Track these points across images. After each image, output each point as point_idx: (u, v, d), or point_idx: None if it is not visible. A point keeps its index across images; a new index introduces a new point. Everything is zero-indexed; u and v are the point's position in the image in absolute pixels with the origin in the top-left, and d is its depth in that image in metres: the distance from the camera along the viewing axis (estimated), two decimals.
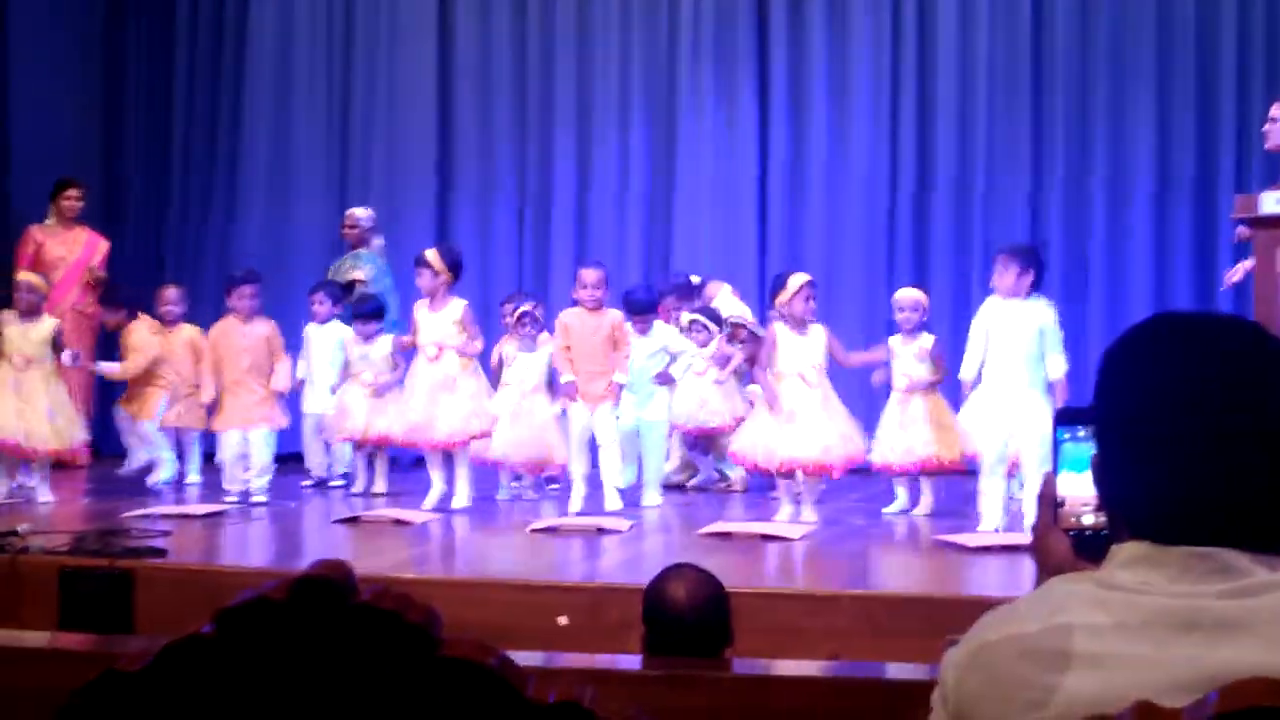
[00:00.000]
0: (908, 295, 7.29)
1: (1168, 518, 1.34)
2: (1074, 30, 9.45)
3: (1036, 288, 6.46)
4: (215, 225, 10.47)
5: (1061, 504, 1.55)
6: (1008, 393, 6.28)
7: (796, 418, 6.59)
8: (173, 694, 1.20)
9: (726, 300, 8.41)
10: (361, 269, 8.87)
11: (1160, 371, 1.37)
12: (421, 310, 7.25)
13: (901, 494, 7.10)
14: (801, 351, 6.68)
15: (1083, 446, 1.53)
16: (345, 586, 1.16)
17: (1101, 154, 9.39)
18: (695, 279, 8.55)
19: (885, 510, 7.03)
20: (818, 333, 6.77)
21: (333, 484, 8.15)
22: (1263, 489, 1.33)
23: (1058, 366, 6.35)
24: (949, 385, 7.06)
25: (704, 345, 8.01)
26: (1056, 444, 1.55)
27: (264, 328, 7.72)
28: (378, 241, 9.11)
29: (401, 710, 1.13)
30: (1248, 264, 6.48)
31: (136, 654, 1.25)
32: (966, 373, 6.51)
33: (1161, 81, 9.32)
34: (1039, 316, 6.38)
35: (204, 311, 8.57)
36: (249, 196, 10.36)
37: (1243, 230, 6.24)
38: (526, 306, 7.58)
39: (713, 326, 8.06)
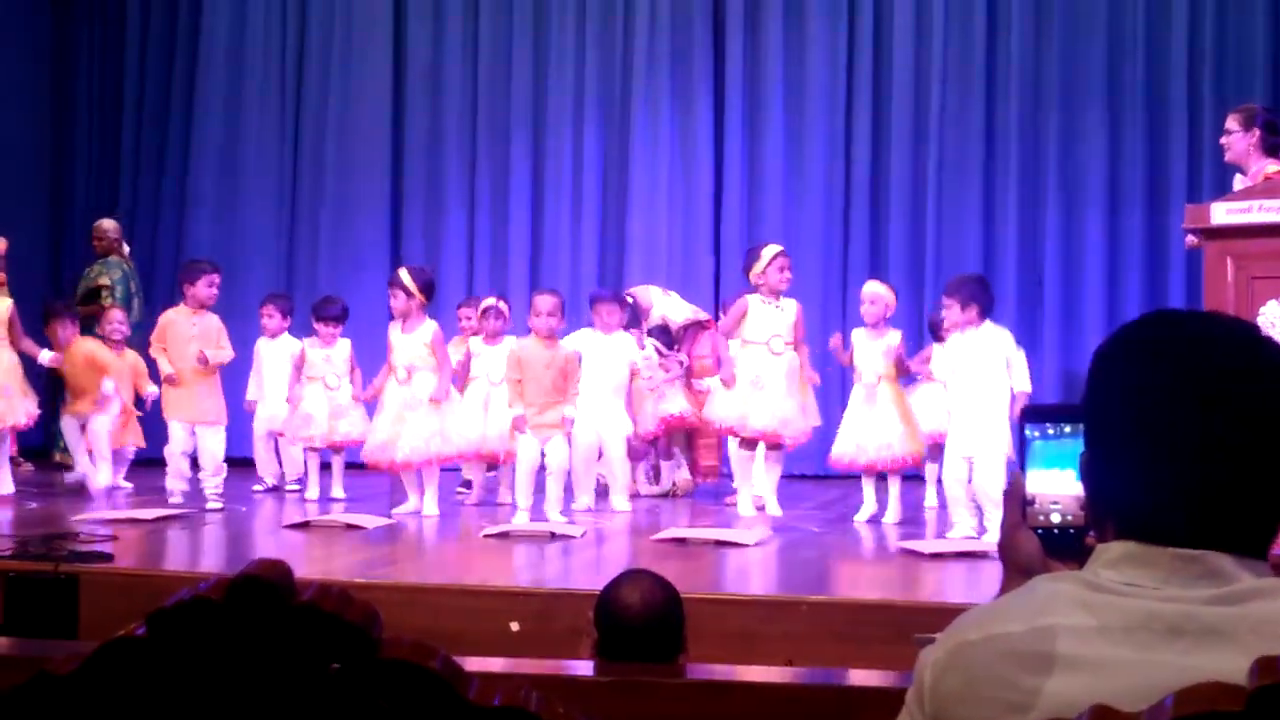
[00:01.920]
0: (869, 288, 7.38)
1: (1155, 518, 1.32)
2: (1027, 40, 9.51)
3: (986, 315, 6.52)
4: (166, 230, 10.37)
5: (1031, 502, 1.54)
6: (971, 422, 6.36)
7: (762, 385, 6.66)
8: (105, 696, 1.16)
9: (660, 301, 8.39)
10: (109, 274, 9.08)
11: (1151, 371, 1.34)
12: (395, 332, 7.19)
13: (869, 498, 7.08)
14: (772, 321, 6.77)
15: (1051, 445, 1.53)
16: (283, 587, 1.12)
17: (1054, 163, 9.44)
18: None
19: (856, 518, 7.00)
20: (789, 306, 6.85)
21: (287, 489, 8.08)
22: (1250, 493, 1.31)
23: (1020, 381, 6.47)
24: None
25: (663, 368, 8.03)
26: (1025, 442, 1.55)
27: (213, 320, 7.60)
28: (125, 250, 9.36)
29: (341, 713, 1.09)
30: None
31: (68, 656, 1.21)
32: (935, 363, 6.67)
33: (1112, 93, 9.39)
34: (993, 343, 6.46)
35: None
36: (199, 201, 10.28)
37: (1193, 239, 6.28)
38: (491, 301, 7.65)
39: (667, 352, 8.07)
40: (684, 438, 8.28)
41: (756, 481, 7.10)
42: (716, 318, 8.59)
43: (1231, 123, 6.63)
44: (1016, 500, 1.55)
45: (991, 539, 6.05)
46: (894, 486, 7.07)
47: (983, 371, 6.41)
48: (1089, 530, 1.49)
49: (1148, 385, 1.34)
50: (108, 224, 9.33)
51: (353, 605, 1.11)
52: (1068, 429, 1.52)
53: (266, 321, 8.19)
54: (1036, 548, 1.53)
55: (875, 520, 6.99)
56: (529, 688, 1.14)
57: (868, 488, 7.08)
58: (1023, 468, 1.55)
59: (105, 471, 7.81)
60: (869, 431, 6.96)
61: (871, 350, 7.11)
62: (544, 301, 7.07)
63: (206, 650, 1.12)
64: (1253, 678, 1.10)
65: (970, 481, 6.35)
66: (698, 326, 8.29)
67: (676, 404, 7.88)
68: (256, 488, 8.10)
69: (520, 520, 6.61)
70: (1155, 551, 1.31)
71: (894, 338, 7.15)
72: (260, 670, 1.11)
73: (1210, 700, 1.12)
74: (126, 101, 10.53)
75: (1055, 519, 1.53)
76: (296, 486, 8.04)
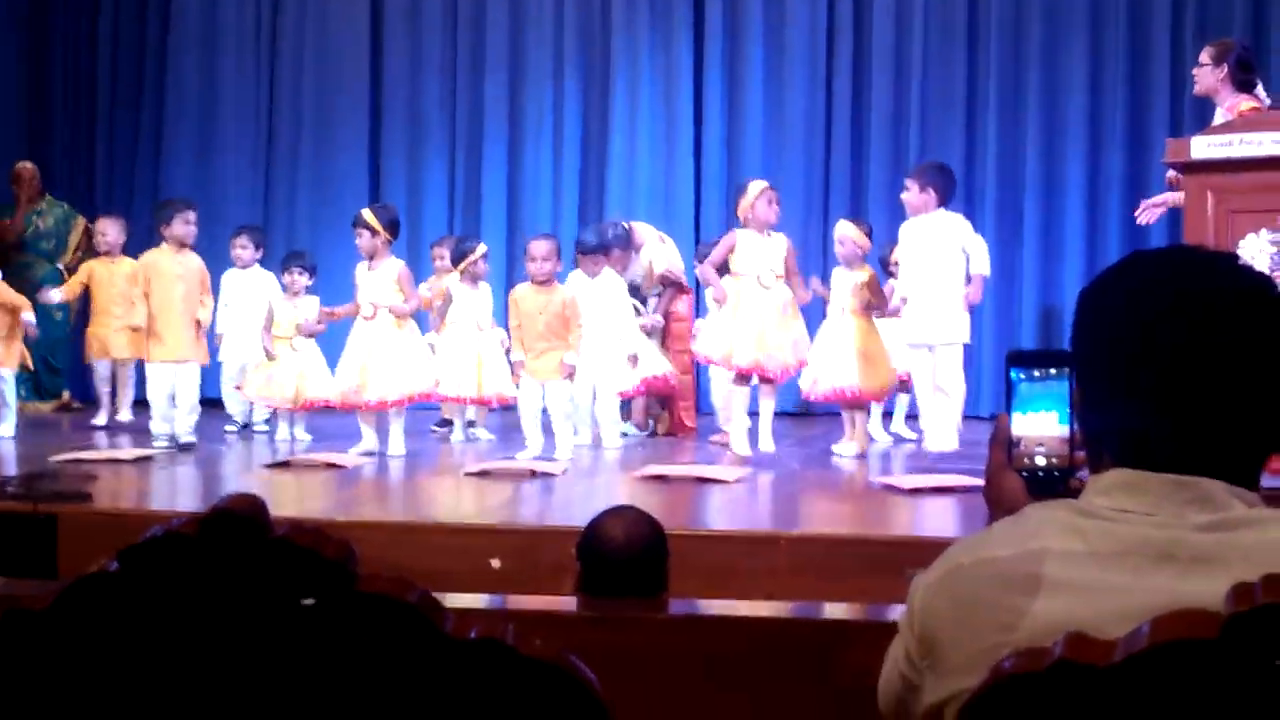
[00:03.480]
0: (839, 228, 7.37)
1: (1147, 446, 1.34)
2: None
3: (944, 203, 6.57)
4: (143, 169, 10.28)
5: (1016, 444, 1.55)
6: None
7: (751, 320, 6.66)
8: (79, 631, 1.15)
9: (653, 246, 8.35)
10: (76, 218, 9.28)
11: (1137, 304, 1.36)
12: (361, 270, 7.13)
13: (849, 430, 7.16)
14: (761, 254, 6.77)
15: (1036, 387, 1.54)
16: (258, 522, 1.11)
17: (1034, 101, 9.41)
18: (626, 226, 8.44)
19: (834, 447, 7.08)
20: (779, 240, 6.83)
21: (256, 429, 8.06)
22: (1238, 420, 1.33)
23: (979, 264, 6.47)
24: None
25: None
26: (1011, 385, 1.55)
27: (196, 260, 7.53)
28: None
29: (317, 646, 1.09)
30: (1168, 198, 6.53)
31: (41, 593, 1.20)
32: (900, 297, 6.64)
33: (1094, 28, 9.35)
34: (949, 228, 6.51)
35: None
36: (175, 147, 10.19)
37: (1173, 175, 6.28)
38: (484, 248, 7.61)
39: (641, 308, 8.06)
40: (661, 399, 8.28)
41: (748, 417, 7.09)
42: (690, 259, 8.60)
43: (1204, 55, 6.64)
44: (1001, 443, 1.57)
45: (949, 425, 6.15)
46: (858, 419, 7.12)
47: (938, 258, 6.45)
48: (1074, 472, 1.51)
49: (1134, 318, 1.36)
50: (33, 166, 9.34)
51: (328, 540, 1.10)
52: (1052, 371, 1.54)
53: (240, 252, 8.15)
54: (1021, 490, 1.54)
55: (858, 457, 7.04)
56: (505, 622, 1.14)
57: (847, 418, 7.13)
58: (1008, 410, 1.56)
59: (9, 420, 7.75)
60: (829, 366, 6.98)
61: (841, 285, 7.14)
62: (537, 247, 7.03)
63: (180, 585, 1.11)
64: (1228, 604, 1.10)
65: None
66: (676, 288, 8.23)
67: (659, 365, 7.88)
68: (228, 428, 8.07)
69: (528, 454, 6.67)
70: (1147, 477, 1.32)
71: (863, 273, 7.16)
72: (234, 605, 1.10)
73: (1185, 628, 1.13)
74: (100, 42, 10.41)
75: (1040, 461, 1.55)
76: (266, 426, 8.02)
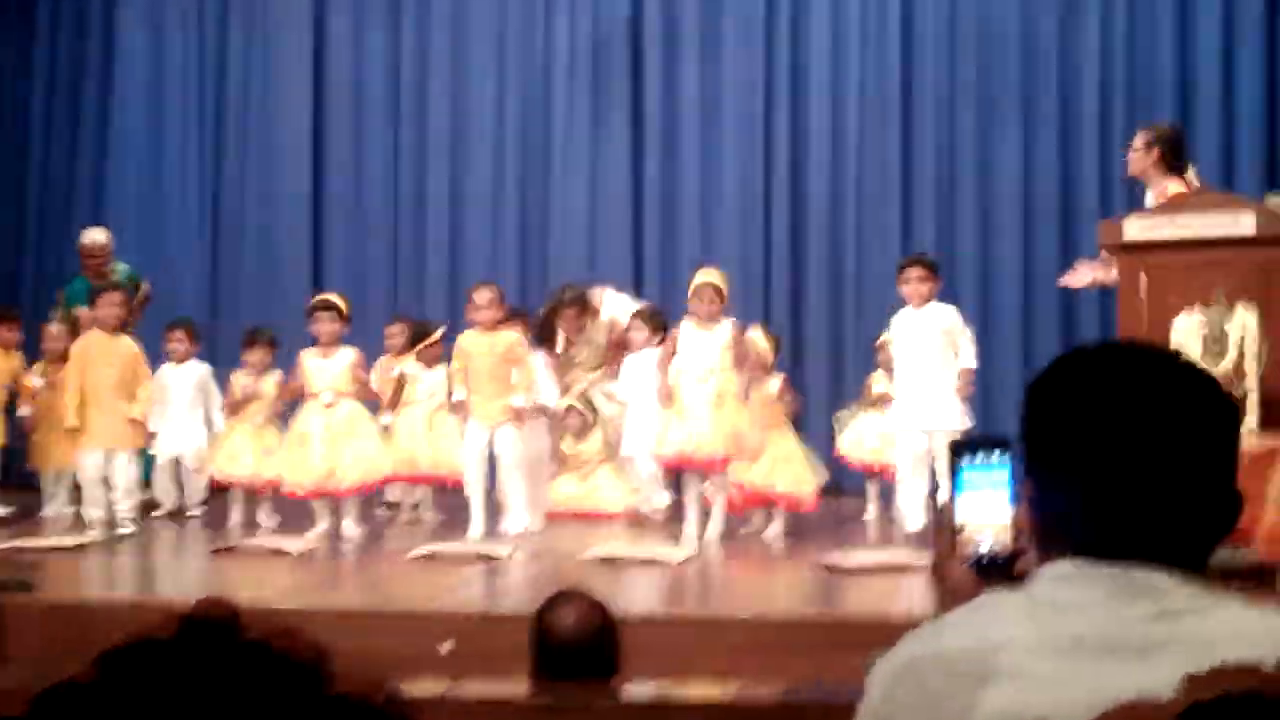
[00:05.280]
0: (749, 334, 7.16)
1: (1097, 536, 1.37)
2: (942, 58, 9.61)
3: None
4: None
5: (960, 530, 1.57)
6: (923, 397, 6.60)
7: (687, 414, 6.69)
8: None
9: (613, 301, 8.32)
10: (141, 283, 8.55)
11: (1085, 398, 1.39)
12: (310, 358, 7.09)
13: (755, 518, 7.13)
14: (697, 350, 6.77)
15: (979, 473, 1.56)
16: (232, 624, 1.12)
17: (969, 181, 9.55)
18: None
19: (743, 530, 7.04)
20: (723, 329, 6.83)
21: (190, 514, 7.84)
22: (1187, 512, 1.37)
23: (967, 357, 6.81)
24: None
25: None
26: (955, 471, 1.57)
27: (130, 345, 7.34)
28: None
29: None
30: (1094, 271, 6.61)
31: (12, 694, 1.20)
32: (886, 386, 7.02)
33: (1026, 109, 9.52)
34: (945, 319, 6.76)
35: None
36: (116, 226, 10.11)
37: (1106, 256, 6.40)
38: (442, 330, 7.69)
39: (610, 400, 8.01)
40: None
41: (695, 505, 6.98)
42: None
43: (1137, 140, 6.77)
44: (946, 530, 1.59)
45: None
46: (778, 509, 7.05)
47: (932, 346, 6.71)
48: (1018, 556, 1.54)
49: (1080, 412, 1.39)
50: (103, 236, 8.53)
51: (302, 641, 1.11)
52: (995, 457, 1.56)
53: (175, 346, 7.91)
54: (968, 576, 1.56)
55: (758, 535, 6.99)
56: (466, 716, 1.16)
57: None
58: (953, 497, 1.58)
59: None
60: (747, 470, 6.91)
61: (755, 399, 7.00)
62: (480, 295, 7.14)
63: (156, 691, 1.12)
64: (1181, 695, 1.13)
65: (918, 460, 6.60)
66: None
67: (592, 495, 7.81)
68: (156, 514, 7.78)
69: (475, 520, 6.69)
70: (1095, 570, 1.35)
71: (772, 383, 7.07)
72: (209, 710, 1.11)
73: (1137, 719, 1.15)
74: (34, 119, 10.33)
75: (984, 546, 1.56)
76: (199, 513, 7.82)
